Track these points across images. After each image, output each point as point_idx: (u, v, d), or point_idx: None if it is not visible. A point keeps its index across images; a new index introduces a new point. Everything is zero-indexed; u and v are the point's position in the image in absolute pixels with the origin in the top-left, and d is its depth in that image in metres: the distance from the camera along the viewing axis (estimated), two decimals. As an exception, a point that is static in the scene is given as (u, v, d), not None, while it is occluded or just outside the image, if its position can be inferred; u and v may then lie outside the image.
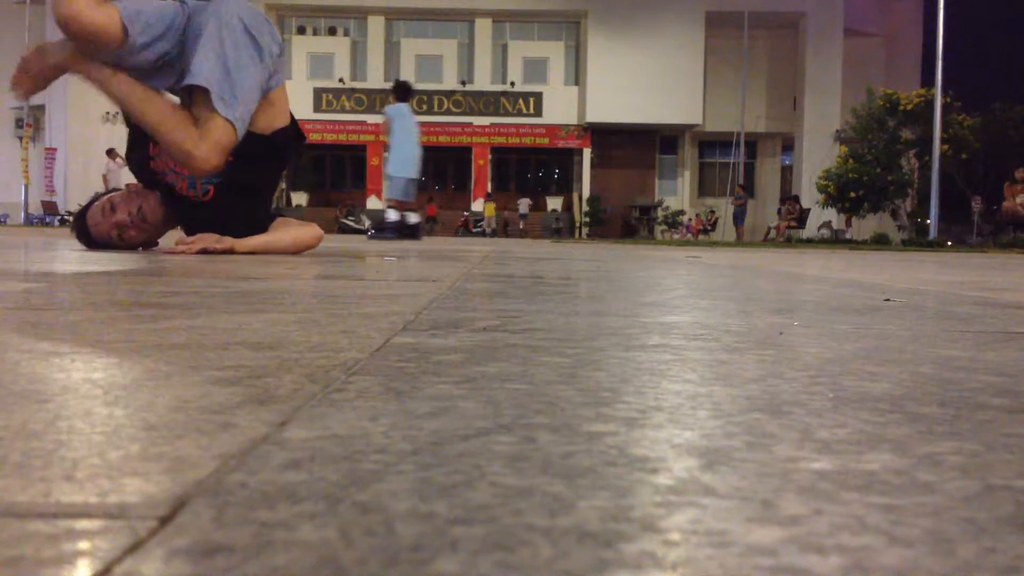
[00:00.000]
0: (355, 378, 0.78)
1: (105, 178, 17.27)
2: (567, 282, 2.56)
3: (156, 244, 4.19)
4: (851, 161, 21.48)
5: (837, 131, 26.57)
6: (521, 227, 28.57)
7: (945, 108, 19.33)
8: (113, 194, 4.11)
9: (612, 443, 0.56)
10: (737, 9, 26.71)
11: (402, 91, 10.30)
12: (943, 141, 19.22)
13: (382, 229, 10.19)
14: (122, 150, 4.75)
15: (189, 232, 4.07)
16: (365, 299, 1.65)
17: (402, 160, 9.88)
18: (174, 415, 0.61)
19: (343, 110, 30.26)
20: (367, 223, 24.30)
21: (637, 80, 29.03)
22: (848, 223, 24.20)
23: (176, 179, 3.91)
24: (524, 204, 29.71)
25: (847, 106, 25.69)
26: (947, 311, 1.81)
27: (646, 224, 29.53)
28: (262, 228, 3.97)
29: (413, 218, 10.33)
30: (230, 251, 3.73)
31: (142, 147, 3.95)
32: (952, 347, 1.13)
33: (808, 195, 24.19)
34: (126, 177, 4.91)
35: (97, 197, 4.16)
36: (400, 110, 10.14)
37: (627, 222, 29.64)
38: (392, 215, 10.03)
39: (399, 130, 9.99)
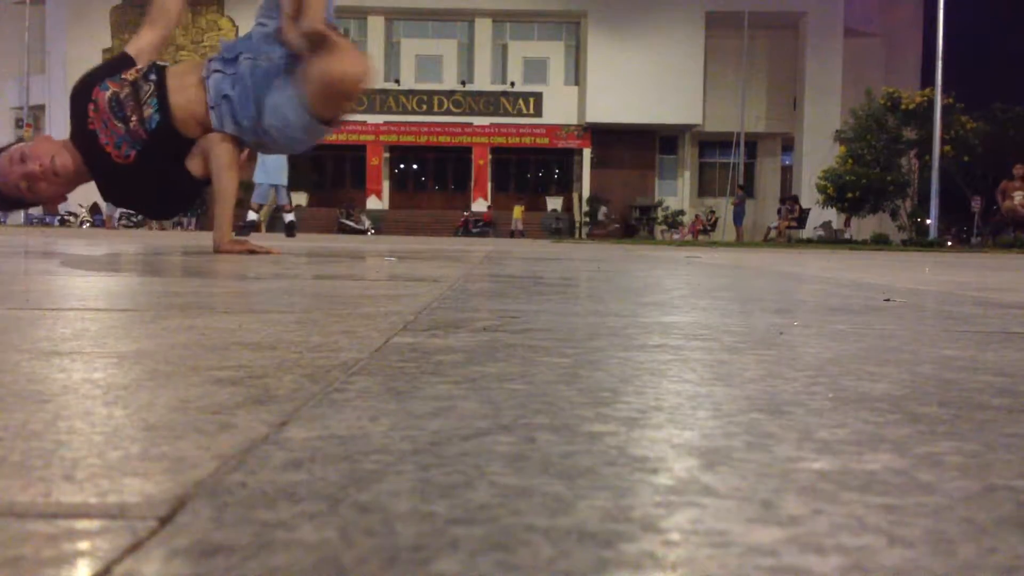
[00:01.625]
0: (355, 378, 0.78)
1: None
2: (567, 282, 2.56)
3: (64, 199, 4.03)
4: (850, 162, 21.45)
5: (837, 131, 26.53)
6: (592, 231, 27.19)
7: (947, 109, 19.28)
8: (23, 144, 3.88)
9: (612, 443, 0.56)
10: (737, 9, 26.68)
11: None
12: (947, 142, 19.17)
13: (243, 228, 11.78)
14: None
15: (105, 194, 4.03)
16: (365, 299, 1.65)
17: (265, 171, 11.64)
18: (174, 415, 0.61)
19: (343, 110, 30.26)
20: (367, 223, 24.35)
21: (637, 80, 29.01)
22: (848, 223, 24.19)
23: (104, 133, 3.79)
24: (602, 212, 28.74)
25: (847, 106, 25.66)
26: (947, 311, 1.81)
27: (646, 224, 29.49)
28: (180, 207, 4.06)
29: (288, 217, 12.28)
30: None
31: (87, 92, 3.86)
32: (952, 347, 1.13)
33: (808, 195, 24.17)
34: None
35: (7, 147, 3.89)
36: None
37: (627, 222, 29.60)
38: (251, 215, 11.88)
39: None
